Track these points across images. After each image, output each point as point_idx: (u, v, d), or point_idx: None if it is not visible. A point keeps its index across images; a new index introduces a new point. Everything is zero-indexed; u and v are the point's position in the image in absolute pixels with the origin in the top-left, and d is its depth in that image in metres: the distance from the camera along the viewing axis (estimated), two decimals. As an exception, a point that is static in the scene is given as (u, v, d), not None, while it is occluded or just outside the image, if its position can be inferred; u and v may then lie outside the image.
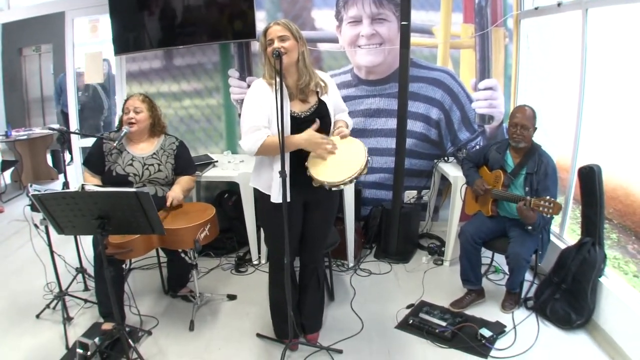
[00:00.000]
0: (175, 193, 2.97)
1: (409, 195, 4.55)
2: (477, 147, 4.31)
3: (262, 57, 2.37)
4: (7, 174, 6.81)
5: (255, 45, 4.28)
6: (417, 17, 4.15)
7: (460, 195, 3.74)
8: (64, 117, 6.31)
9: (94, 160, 3.03)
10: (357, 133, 4.22)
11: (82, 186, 2.27)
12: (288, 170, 2.27)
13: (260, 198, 2.51)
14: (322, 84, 2.46)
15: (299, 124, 2.34)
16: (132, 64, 4.57)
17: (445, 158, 4.31)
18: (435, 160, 4.36)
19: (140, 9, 4.22)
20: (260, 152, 2.34)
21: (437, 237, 4.50)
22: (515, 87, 4.34)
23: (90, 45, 5.03)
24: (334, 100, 2.52)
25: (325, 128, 2.40)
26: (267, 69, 2.35)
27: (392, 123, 4.28)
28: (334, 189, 2.28)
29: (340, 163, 2.28)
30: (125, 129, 2.99)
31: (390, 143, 4.32)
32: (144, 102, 3.09)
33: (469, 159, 3.50)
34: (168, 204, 2.91)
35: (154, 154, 3.07)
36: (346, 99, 4.26)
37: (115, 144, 2.95)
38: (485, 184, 3.25)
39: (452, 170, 3.99)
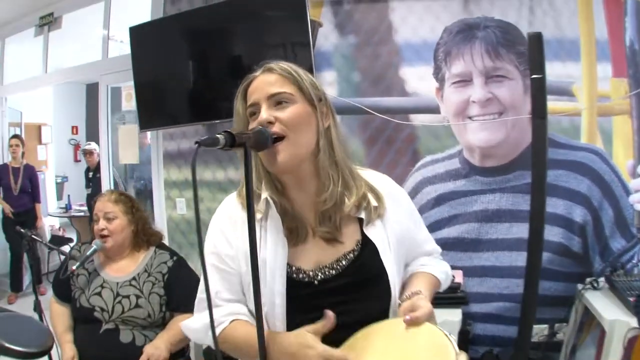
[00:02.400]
0: (154, 349, 2.14)
1: (538, 331, 3.36)
2: (636, 259, 3.20)
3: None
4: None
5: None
6: (549, 70, 3.21)
7: (622, 346, 2.61)
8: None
9: (59, 284, 2.41)
10: (467, 245, 3.28)
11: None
12: None
13: None
14: (372, 201, 1.26)
15: (312, 297, 1.20)
16: (170, 142, 3.93)
17: (595, 283, 3.10)
18: (580, 286, 3.18)
19: (172, 74, 3.57)
20: (223, 349, 1.23)
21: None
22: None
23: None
24: (399, 233, 1.30)
25: (378, 305, 1.23)
26: (255, 175, 1.24)
27: (518, 230, 3.23)
28: None
29: None
30: (95, 244, 2.26)
31: (515, 259, 3.25)
32: (118, 202, 2.36)
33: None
34: None
35: (133, 278, 2.27)
36: (453, 195, 3.26)
37: (75, 268, 2.22)
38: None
39: (607, 308, 2.76)
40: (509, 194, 3.27)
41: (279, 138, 1.11)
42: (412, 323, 1.10)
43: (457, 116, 3.27)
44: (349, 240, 1.23)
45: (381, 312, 1.19)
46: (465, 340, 3.12)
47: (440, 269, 1.38)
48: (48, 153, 7.43)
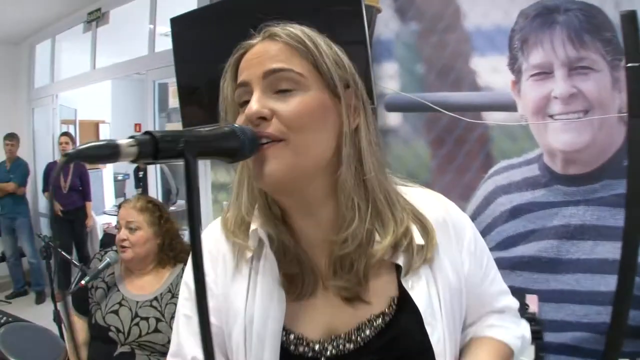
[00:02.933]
0: None
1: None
2: None
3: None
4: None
5: (383, 118, 2.99)
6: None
7: None
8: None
9: (78, 296, 2.19)
10: (544, 266, 2.81)
11: None
12: None
13: None
14: (417, 238, 0.81)
15: None
16: (217, 141, 3.66)
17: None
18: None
19: (218, 68, 3.31)
20: None
21: None
22: None
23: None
24: (456, 284, 0.85)
25: None
26: (246, 195, 0.88)
27: (603, 249, 2.75)
28: None
29: None
30: (108, 256, 2.06)
31: (598, 283, 2.77)
32: (143, 211, 2.10)
33: None
34: None
35: (155, 299, 2.03)
36: (530, 207, 2.80)
37: (83, 282, 2.04)
38: None
39: None
40: (595, 207, 2.78)
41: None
42: None
43: (536, 114, 2.80)
44: (378, 298, 0.82)
45: None
46: (537, 375, 2.69)
47: (515, 334, 0.95)
48: (107, 151, 7.51)
